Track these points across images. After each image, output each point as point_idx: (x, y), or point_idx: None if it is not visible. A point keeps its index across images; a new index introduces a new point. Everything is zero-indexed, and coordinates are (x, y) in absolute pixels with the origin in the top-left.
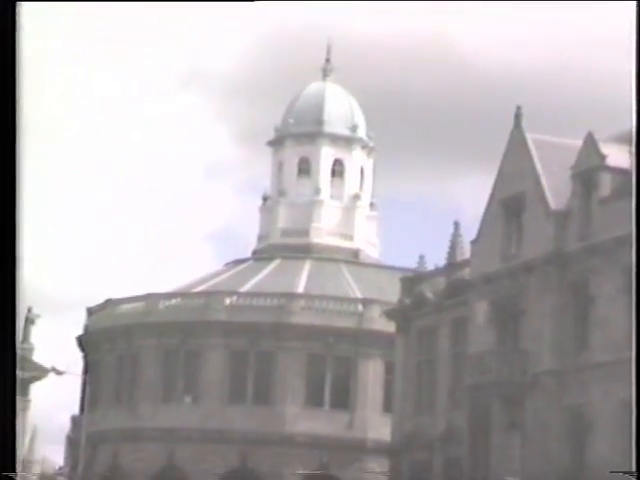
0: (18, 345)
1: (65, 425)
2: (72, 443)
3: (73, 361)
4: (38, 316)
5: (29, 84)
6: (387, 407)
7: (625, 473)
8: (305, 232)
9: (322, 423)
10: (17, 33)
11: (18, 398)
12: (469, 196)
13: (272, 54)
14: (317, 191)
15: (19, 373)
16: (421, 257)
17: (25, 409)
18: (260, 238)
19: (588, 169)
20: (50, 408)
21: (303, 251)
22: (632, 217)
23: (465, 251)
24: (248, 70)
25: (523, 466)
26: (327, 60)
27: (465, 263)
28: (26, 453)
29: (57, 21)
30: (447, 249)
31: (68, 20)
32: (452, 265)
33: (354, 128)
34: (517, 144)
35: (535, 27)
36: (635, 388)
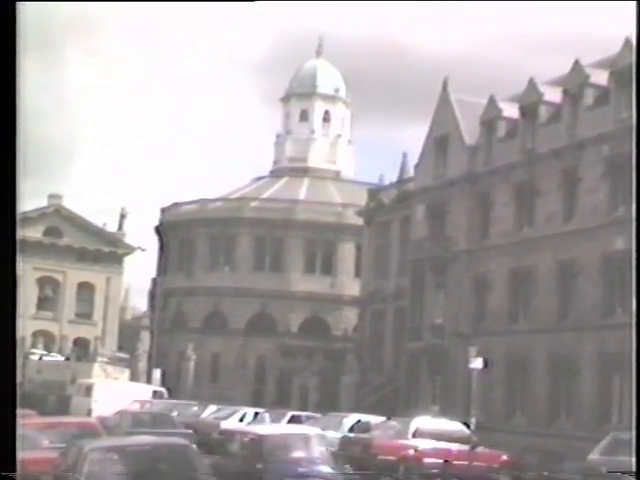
0: (115, 232)
1: (147, 284)
2: (152, 296)
3: (153, 242)
4: (128, 212)
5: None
6: (357, 274)
7: (624, 473)
8: (304, 159)
9: (314, 284)
10: (17, 33)
11: (115, 267)
12: (413, 136)
13: (283, 41)
14: (312, 131)
15: (116, 250)
16: (381, 176)
17: (120, 274)
18: (274, 162)
19: (490, 118)
20: (137, 273)
21: (303, 172)
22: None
23: (410, 172)
24: (267, 52)
25: (445, 312)
26: (319, 45)
27: (410, 180)
28: (122, 302)
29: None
30: (398, 170)
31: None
32: (401, 181)
33: (337, 90)
34: (444, 102)
35: (459, 23)
36: (635, 387)
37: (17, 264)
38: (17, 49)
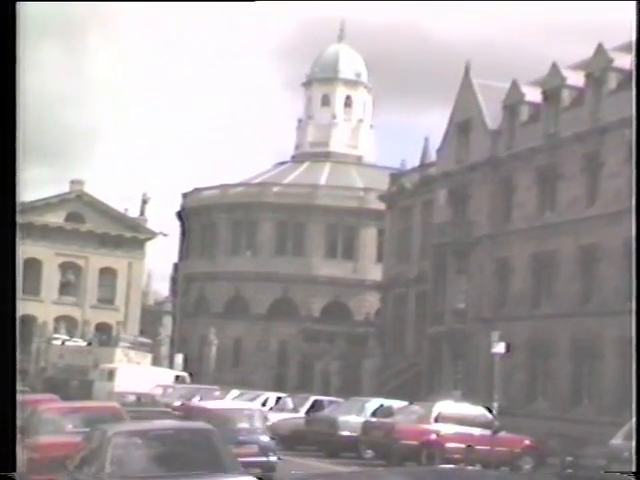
0: (136, 217)
1: (169, 269)
2: (173, 281)
3: (174, 227)
4: (150, 198)
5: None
6: (379, 258)
7: (623, 473)
8: (326, 143)
9: (336, 269)
10: (17, 33)
11: (137, 252)
12: (435, 121)
13: (305, 26)
14: (334, 116)
15: (137, 235)
16: (403, 160)
17: (142, 259)
18: (296, 147)
19: (513, 103)
20: (159, 258)
21: (324, 156)
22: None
23: (432, 156)
24: (289, 38)
25: (468, 297)
26: (341, 30)
27: (432, 164)
28: (144, 287)
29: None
30: (420, 155)
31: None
32: (423, 165)
33: (359, 75)
34: (466, 86)
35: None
36: (635, 386)
37: (17, 256)
38: (17, 49)
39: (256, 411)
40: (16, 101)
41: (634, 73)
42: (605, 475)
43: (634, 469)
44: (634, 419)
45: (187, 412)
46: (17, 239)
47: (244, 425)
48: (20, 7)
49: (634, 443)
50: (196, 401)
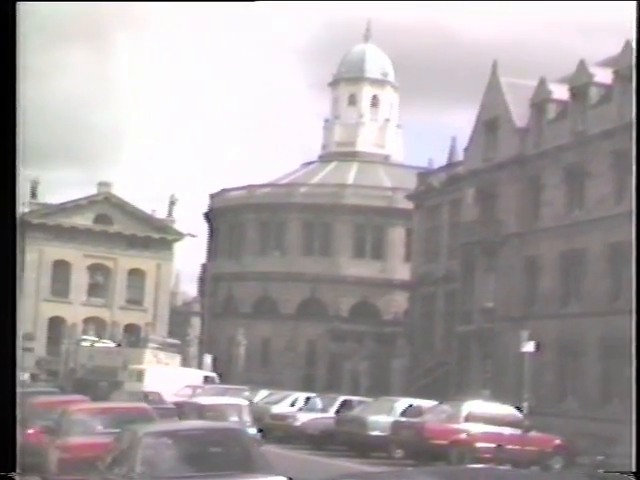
0: (164, 218)
1: (197, 270)
2: (201, 282)
3: (202, 228)
4: (177, 199)
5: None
6: (407, 258)
7: (623, 473)
8: (353, 143)
9: (364, 268)
10: (17, 33)
11: (165, 253)
12: (462, 120)
13: (331, 26)
14: (361, 116)
15: (165, 236)
16: (430, 159)
17: (170, 260)
18: (323, 147)
19: (540, 100)
20: (187, 259)
21: (351, 156)
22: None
23: (459, 155)
24: (315, 38)
25: (496, 295)
26: (367, 30)
27: (459, 163)
28: (172, 288)
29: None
30: (447, 154)
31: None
32: (451, 164)
33: (385, 74)
34: (493, 84)
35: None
36: (635, 386)
37: (17, 256)
38: (17, 49)
39: (244, 406)
40: (16, 102)
41: (634, 74)
42: (605, 475)
43: (634, 469)
44: (634, 418)
45: (183, 408)
46: (17, 239)
47: (234, 419)
48: (21, 6)
49: (634, 443)
50: (192, 397)
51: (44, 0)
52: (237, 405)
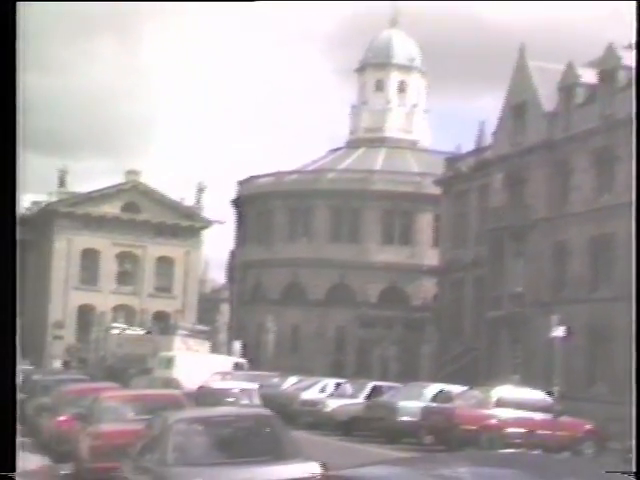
0: (192, 206)
1: (225, 257)
2: (230, 269)
3: (230, 215)
4: (205, 186)
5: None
6: (435, 243)
7: (624, 473)
8: (380, 129)
9: (392, 254)
10: (17, 33)
11: (194, 241)
12: (490, 104)
13: (357, 12)
14: (388, 101)
15: (194, 224)
16: (458, 144)
17: (199, 247)
18: (351, 133)
19: (568, 84)
20: (216, 246)
21: (379, 142)
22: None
23: (488, 140)
24: (341, 24)
25: (526, 280)
26: (394, 15)
27: (487, 148)
28: (201, 275)
29: None
30: (475, 139)
31: None
32: (479, 149)
33: (412, 60)
34: (521, 69)
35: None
36: (635, 386)
37: (17, 255)
38: (17, 49)
39: (254, 390)
40: (16, 102)
41: (634, 73)
42: (605, 475)
43: (634, 469)
44: (634, 418)
45: (200, 390)
46: (16, 239)
47: (245, 401)
48: (20, 7)
49: (634, 442)
50: (210, 381)
51: (45, 0)
52: (247, 389)
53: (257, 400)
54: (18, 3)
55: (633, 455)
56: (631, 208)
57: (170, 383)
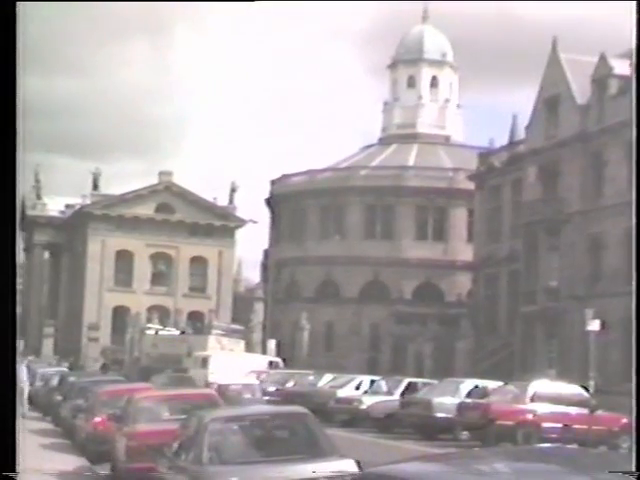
0: (226, 205)
1: (259, 256)
2: (264, 268)
3: (263, 214)
4: (238, 186)
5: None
6: (470, 239)
7: (625, 473)
8: (413, 125)
9: (426, 250)
10: (17, 33)
11: (227, 240)
12: (524, 98)
13: (388, 9)
14: (420, 97)
15: (227, 223)
16: (491, 139)
17: (232, 247)
18: (383, 130)
19: (601, 76)
20: (249, 245)
21: (412, 138)
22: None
23: (521, 134)
24: (372, 21)
25: (560, 274)
26: (425, 11)
27: (521, 142)
28: (235, 274)
29: None
30: (508, 133)
31: None
32: (512, 143)
33: (444, 55)
34: (554, 62)
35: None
36: (635, 387)
37: (17, 247)
38: (17, 49)
39: (256, 385)
40: (16, 103)
41: (634, 73)
42: (606, 475)
43: (634, 469)
44: (634, 417)
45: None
46: (17, 237)
47: (248, 396)
48: (20, 7)
49: (634, 442)
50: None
51: (46, 0)
52: (251, 385)
53: (260, 395)
54: (18, 3)
55: (633, 455)
56: None
57: (187, 380)
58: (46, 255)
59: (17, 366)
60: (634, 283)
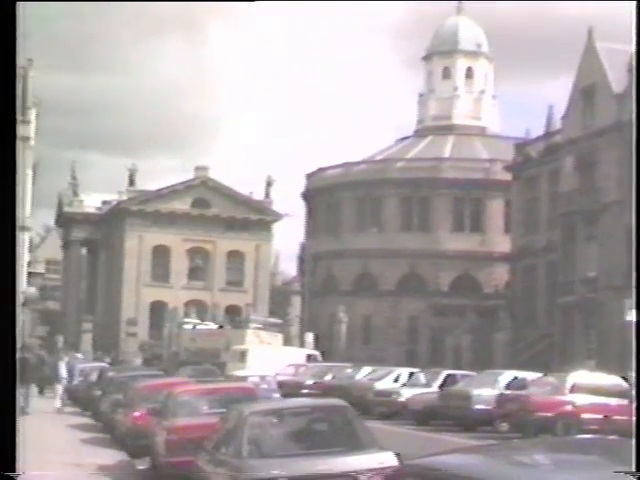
0: (262, 200)
1: (295, 249)
2: (301, 261)
3: (300, 208)
4: (274, 180)
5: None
6: (507, 230)
7: (626, 473)
8: (448, 116)
9: (463, 242)
10: (18, 33)
11: (264, 234)
12: (560, 88)
13: (423, 3)
14: (455, 88)
15: (264, 217)
16: (527, 129)
17: (269, 241)
18: (418, 122)
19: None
20: (286, 239)
21: (447, 129)
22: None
23: (557, 124)
24: (407, 14)
25: (598, 264)
26: (459, 3)
27: (557, 132)
28: (272, 268)
29: None
30: (544, 123)
31: None
32: (548, 134)
33: (479, 46)
34: (590, 51)
35: None
36: (635, 387)
37: (17, 245)
38: (17, 49)
39: (272, 377)
40: (16, 103)
41: (634, 73)
42: (606, 475)
43: (634, 469)
44: (634, 417)
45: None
46: (17, 236)
47: (264, 386)
48: (20, 7)
49: (634, 442)
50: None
51: (46, 0)
52: (265, 376)
53: (275, 385)
54: (18, 3)
55: (633, 455)
56: None
57: (211, 372)
58: (84, 251)
59: (57, 362)
60: (634, 286)
